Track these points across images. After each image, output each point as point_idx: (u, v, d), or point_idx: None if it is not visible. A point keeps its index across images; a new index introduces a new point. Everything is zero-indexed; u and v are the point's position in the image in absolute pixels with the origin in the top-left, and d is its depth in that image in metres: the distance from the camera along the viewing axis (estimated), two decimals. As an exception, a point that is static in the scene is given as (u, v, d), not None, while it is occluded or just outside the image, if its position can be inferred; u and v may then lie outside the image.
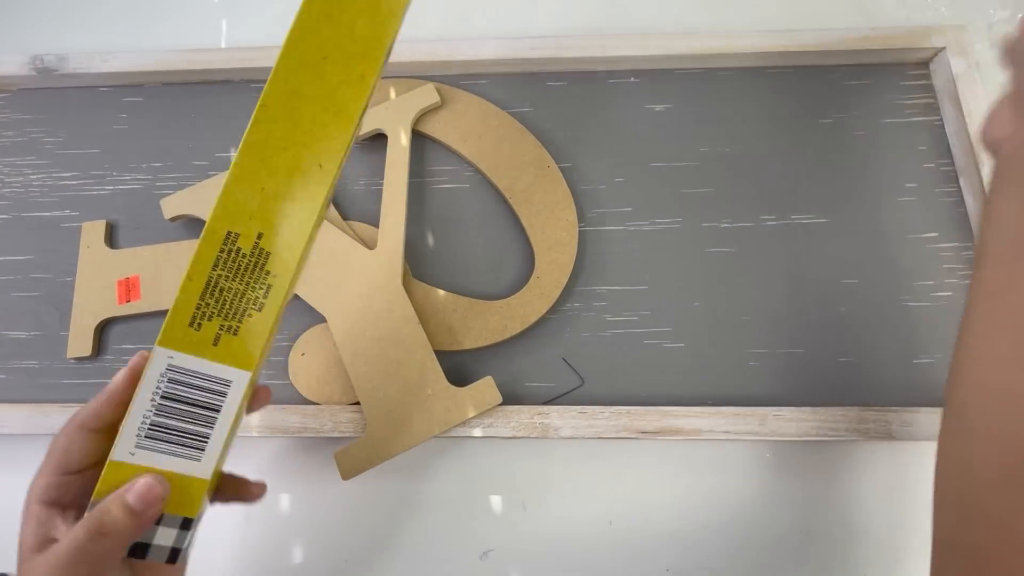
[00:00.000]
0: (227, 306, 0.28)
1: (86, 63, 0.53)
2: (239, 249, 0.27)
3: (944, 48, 0.49)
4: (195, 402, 0.28)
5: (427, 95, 0.49)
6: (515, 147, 0.49)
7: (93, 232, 0.49)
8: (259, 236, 0.27)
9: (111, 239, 0.50)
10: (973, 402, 0.25)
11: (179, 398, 0.28)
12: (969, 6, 0.54)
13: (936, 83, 0.50)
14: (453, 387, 0.42)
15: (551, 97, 0.51)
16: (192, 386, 0.28)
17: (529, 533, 0.43)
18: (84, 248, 0.48)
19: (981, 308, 0.26)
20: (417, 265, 0.47)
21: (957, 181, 0.48)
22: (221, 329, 0.28)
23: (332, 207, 0.48)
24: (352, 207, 0.49)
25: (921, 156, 0.48)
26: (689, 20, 0.55)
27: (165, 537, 0.28)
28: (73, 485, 0.28)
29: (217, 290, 0.27)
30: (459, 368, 0.45)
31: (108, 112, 0.53)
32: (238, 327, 0.28)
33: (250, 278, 0.28)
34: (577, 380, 0.44)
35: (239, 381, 0.28)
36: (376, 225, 0.47)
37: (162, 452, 0.28)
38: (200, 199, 0.47)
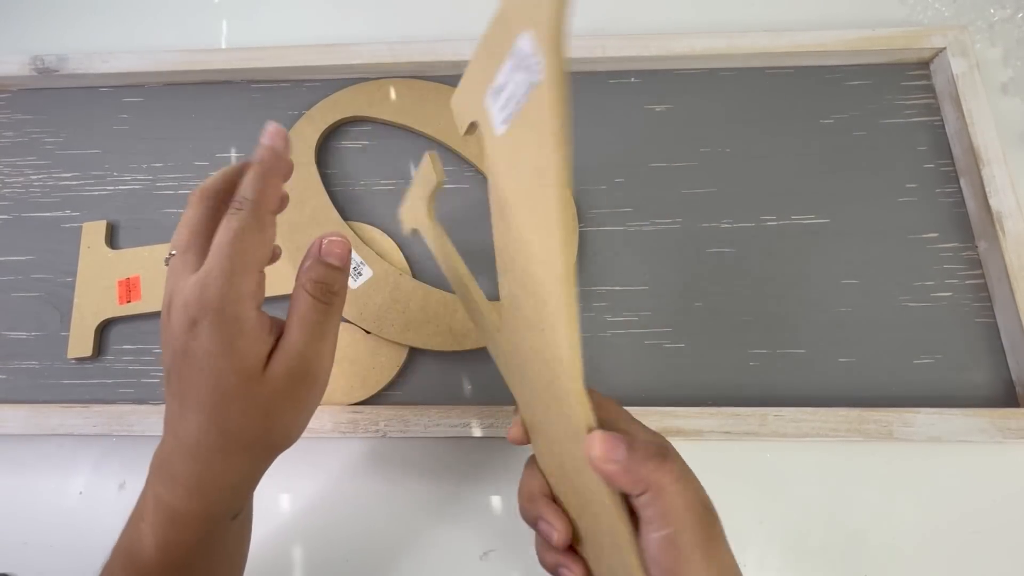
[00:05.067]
0: None
1: (86, 63, 0.53)
2: None
3: (944, 48, 0.49)
4: None
5: None
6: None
7: (93, 232, 0.49)
8: None
9: (111, 239, 0.50)
10: None
11: None
12: (969, 6, 0.54)
13: (936, 83, 0.50)
14: None
15: (551, 97, 0.51)
16: None
17: (529, 533, 0.43)
18: (84, 248, 0.48)
19: None
20: (417, 265, 0.47)
21: (957, 181, 0.48)
22: None
23: (333, 209, 0.48)
24: (353, 208, 0.49)
25: (921, 156, 0.48)
26: (689, 20, 0.55)
27: None
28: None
29: None
30: (460, 368, 0.45)
31: (108, 112, 0.53)
32: None
33: None
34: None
35: None
36: (379, 227, 0.47)
37: None
38: None
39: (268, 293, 0.45)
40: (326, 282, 0.27)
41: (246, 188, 0.27)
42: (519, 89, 0.22)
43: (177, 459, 0.27)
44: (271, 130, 0.28)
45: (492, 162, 0.26)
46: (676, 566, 0.24)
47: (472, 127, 0.27)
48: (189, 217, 0.27)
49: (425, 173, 0.33)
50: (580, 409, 0.25)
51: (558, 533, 0.27)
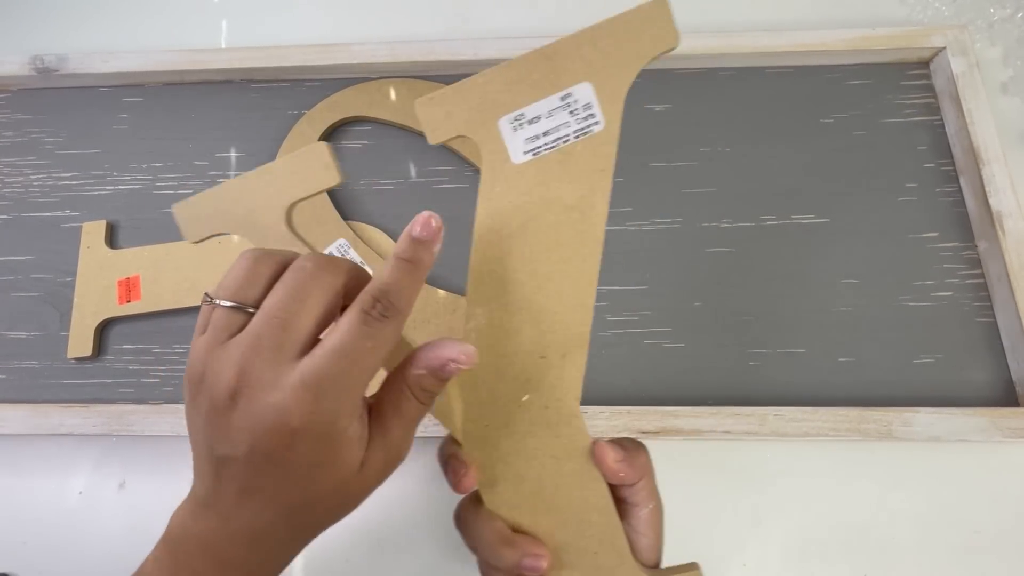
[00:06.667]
0: None
1: (86, 63, 0.53)
2: None
3: (944, 48, 0.49)
4: None
5: (658, 22, 0.27)
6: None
7: (93, 232, 0.49)
8: None
9: (111, 239, 0.50)
10: None
11: None
12: (969, 6, 0.54)
13: (936, 83, 0.50)
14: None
15: (551, 97, 0.51)
16: None
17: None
18: (84, 248, 0.48)
19: None
20: (417, 265, 0.47)
21: (957, 181, 0.48)
22: None
23: (333, 209, 0.48)
24: (353, 208, 0.49)
25: (921, 156, 0.48)
26: (689, 20, 0.54)
27: None
28: None
29: None
30: (459, 368, 0.45)
31: (108, 112, 0.53)
32: None
33: None
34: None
35: None
36: (379, 227, 0.47)
37: None
38: (224, 210, 0.31)
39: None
40: (434, 392, 0.25)
41: (396, 294, 0.23)
42: (564, 130, 0.25)
43: (229, 546, 0.24)
44: (424, 219, 0.23)
45: (497, 188, 0.26)
46: (659, 529, 0.29)
47: (452, 140, 0.26)
48: (296, 282, 0.22)
49: (315, 167, 0.28)
50: (580, 427, 0.28)
51: (546, 559, 0.27)
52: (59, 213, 0.51)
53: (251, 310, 0.23)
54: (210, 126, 0.52)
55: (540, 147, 0.25)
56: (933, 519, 0.41)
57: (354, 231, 0.47)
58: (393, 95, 0.51)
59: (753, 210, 0.48)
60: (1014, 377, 0.43)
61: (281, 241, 0.28)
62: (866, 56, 0.50)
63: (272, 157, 0.50)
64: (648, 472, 0.29)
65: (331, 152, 0.28)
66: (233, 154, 0.51)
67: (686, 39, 0.50)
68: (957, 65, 0.48)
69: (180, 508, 0.25)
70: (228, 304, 0.23)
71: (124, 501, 0.44)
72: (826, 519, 0.42)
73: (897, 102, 0.50)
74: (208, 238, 0.30)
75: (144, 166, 0.52)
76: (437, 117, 0.26)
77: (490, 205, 0.26)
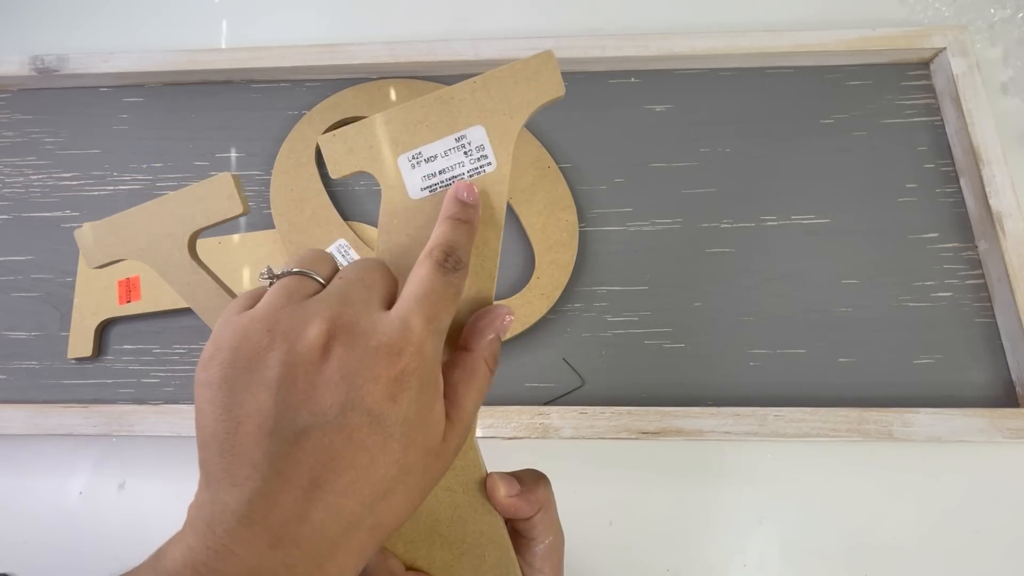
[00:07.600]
0: None
1: (86, 63, 0.53)
2: None
3: (944, 48, 0.49)
4: None
5: (545, 74, 0.27)
6: (515, 147, 0.49)
7: (93, 232, 0.49)
8: None
9: (111, 239, 0.50)
10: None
11: None
12: (969, 6, 0.54)
13: (936, 83, 0.50)
14: None
15: (551, 97, 0.51)
16: None
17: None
18: (84, 248, 0.48)
19: None
20: (417, 265, 0.47)
21: (957, 181, 0.48)
22: None
23: (333, 209, 0.48)
24: (353, 208, 0.49)
25: (921, 156, 0.48)
26: (689, 20, 0.55)
27: None
28: None
29: None
30: (459, 368, 0.45)
31: (108, 112, 0.53)
32: None
33: None
34: (577, 380, 0.44)
35: None
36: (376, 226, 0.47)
37: None
38: (127, 236, 0.30)
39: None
40: (497, 358, 0.26)
41: (462, 249, 0.24)
42: (458, 169, 0.27)
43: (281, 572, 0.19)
44: (466, 186, 0.26)
45: (395, 221, 0.27)
46: (556, 565, 0.28)
47: (352, 174, 0.28)
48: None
49: (219, 197, 0.29)
50: (474, 458, 0.28)
51: None
52: (59, 213, 0.51)
53: (323, 281, 0.23)
54: (210, 126, 0.52)
55: (436, 184, 0.27)
56: (933, 519, 0.41)
57: (354, 231, 0.47)
58: (393, 95, 0.51)
59: (753, 210, 0.48)
60: (1014, 377, 0.43)
61: (182, 269, 0.29)
62: (866, 56, 0.50)
63: (272, 157, 0.50)
64: (546, 505, 0.28)
65: (236, 183, 0.29)
66: (233, 154, 0.51)
67: (686, 39, 0.50)
68: (957, 66, 0.48)
69: (175, 546, 0.19)
70: (299, 271, 0.23)
71: (124, 501, 0.44)
72: (826, 519, 0.42)
73: (897, 102, 0.50)
74: (110, 264, 0.30)
75: (144, 166, 0.52)
76: (339, 152, 0.28)
77: (389, 238, 0.27)
